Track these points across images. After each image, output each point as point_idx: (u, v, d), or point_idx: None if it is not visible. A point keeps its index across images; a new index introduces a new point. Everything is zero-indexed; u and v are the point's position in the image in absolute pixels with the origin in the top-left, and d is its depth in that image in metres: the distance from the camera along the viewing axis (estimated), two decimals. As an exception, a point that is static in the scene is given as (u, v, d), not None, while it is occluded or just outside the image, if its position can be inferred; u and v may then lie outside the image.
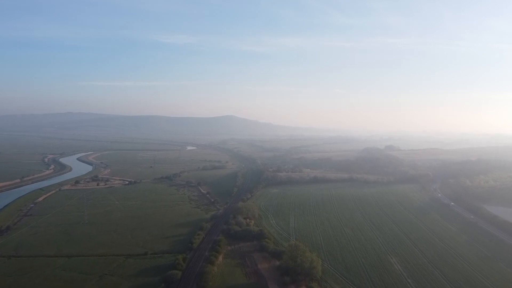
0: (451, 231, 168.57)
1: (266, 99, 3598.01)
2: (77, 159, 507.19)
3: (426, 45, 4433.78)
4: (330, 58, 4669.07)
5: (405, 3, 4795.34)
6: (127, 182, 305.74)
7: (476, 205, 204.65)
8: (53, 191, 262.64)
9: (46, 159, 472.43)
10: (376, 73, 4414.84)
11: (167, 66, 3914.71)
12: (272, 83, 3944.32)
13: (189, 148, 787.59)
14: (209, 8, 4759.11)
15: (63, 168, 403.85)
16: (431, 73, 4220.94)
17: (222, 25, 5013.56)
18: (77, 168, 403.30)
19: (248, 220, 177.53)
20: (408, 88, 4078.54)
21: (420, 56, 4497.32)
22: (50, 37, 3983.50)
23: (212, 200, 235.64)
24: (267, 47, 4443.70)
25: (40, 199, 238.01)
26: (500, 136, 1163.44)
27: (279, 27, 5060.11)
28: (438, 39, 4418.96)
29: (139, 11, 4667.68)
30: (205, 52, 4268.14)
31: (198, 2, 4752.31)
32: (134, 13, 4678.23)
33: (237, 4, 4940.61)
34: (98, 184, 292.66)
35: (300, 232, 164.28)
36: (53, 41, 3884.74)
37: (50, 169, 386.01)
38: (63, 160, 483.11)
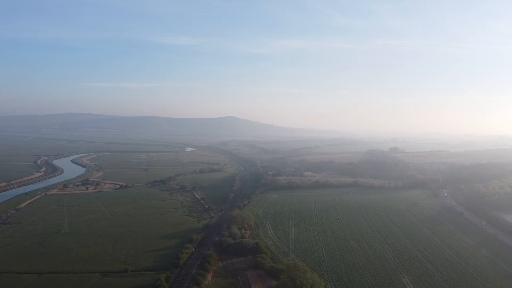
0: (469, 244, 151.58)
1: (267, 100, 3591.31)
2: (71, 161, 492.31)
3: (428, 47, 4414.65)
4: (332, 59, 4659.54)
5: (407, 5, 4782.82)
6: (118, 186, 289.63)
7: (493, 215, 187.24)
8: (38, 196, 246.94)
9: (38, 161, 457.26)
10: (378, 74, 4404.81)
11: (169, 68, 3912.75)
12: (274, 85, 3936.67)
13: (188, 149, 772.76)
14: (211, 10, 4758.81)
15: (54, 170, 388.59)
16: (434, 75, 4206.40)
17: (224, 27, 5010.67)
18: (69, 171, 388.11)
19: (243, 230, 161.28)
20: (410, 90, 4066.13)
21: (423, 58, 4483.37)
22: (52, 38, 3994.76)
23: (207, 206, 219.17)
24: (269, 49, 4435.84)
25: (23, 204, 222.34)
26: (506, 138, 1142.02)
27: (281, 29, 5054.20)
28: (441, 41, 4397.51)
29: (141, 13, 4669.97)
30: (206, 53, 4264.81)
31: (200, 4, 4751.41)
32: (136, 15, 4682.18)
33: (239, 6, 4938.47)
34: (87, 188, 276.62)
35: (300, 245, 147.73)
36: (55, 43, 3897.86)
37: (41, 172, 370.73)
38: (56, 162, 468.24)
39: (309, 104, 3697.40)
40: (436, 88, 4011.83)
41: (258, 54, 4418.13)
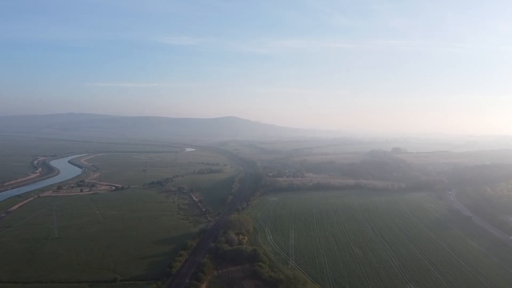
0: (478, 251, 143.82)
1: (268, 100, 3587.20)
2: (68, 161, 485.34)
3: (428, 47, 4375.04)
4: (333, 59, 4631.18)
5: (408, 5, 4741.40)
6: (114, 188, 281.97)
7: (502, 219, 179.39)
8: (31, 198, 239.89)
9: (35, 162, 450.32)
10: (379, 75, 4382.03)
11: (169, 68, 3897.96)
12: (274, 85, 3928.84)
13: (188, 149, 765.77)
14: (211, 10, 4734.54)
15: (50, 171, 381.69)
16: (434, 75, 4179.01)
17: (224, 27, 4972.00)
18: (66, 172, 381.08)
19: (241, 236, 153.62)
20: (410, 90, 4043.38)
21: (423, 58, 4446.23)
22: (52, 38, 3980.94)
23: (204, 209, 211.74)
24: (269, 49, 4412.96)
25: (14, 207, 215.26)
26: (508, 138, 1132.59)
27: (281, 29, 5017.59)
28: (441, 41, 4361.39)
29: (141, 13, 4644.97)
30: (207, 53, 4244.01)
31: (200, 4, 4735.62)
32: (136, 15, 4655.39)
33: (239, 6, 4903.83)
34: (82, 190, 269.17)
35: (300, 252, 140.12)
36: (55, 43, 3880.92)
37: (37, 173, 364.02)
38: (54, 162, 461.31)
39: (310, 104, 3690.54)
40: (436, 88, 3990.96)
41: (258, 54, 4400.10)
